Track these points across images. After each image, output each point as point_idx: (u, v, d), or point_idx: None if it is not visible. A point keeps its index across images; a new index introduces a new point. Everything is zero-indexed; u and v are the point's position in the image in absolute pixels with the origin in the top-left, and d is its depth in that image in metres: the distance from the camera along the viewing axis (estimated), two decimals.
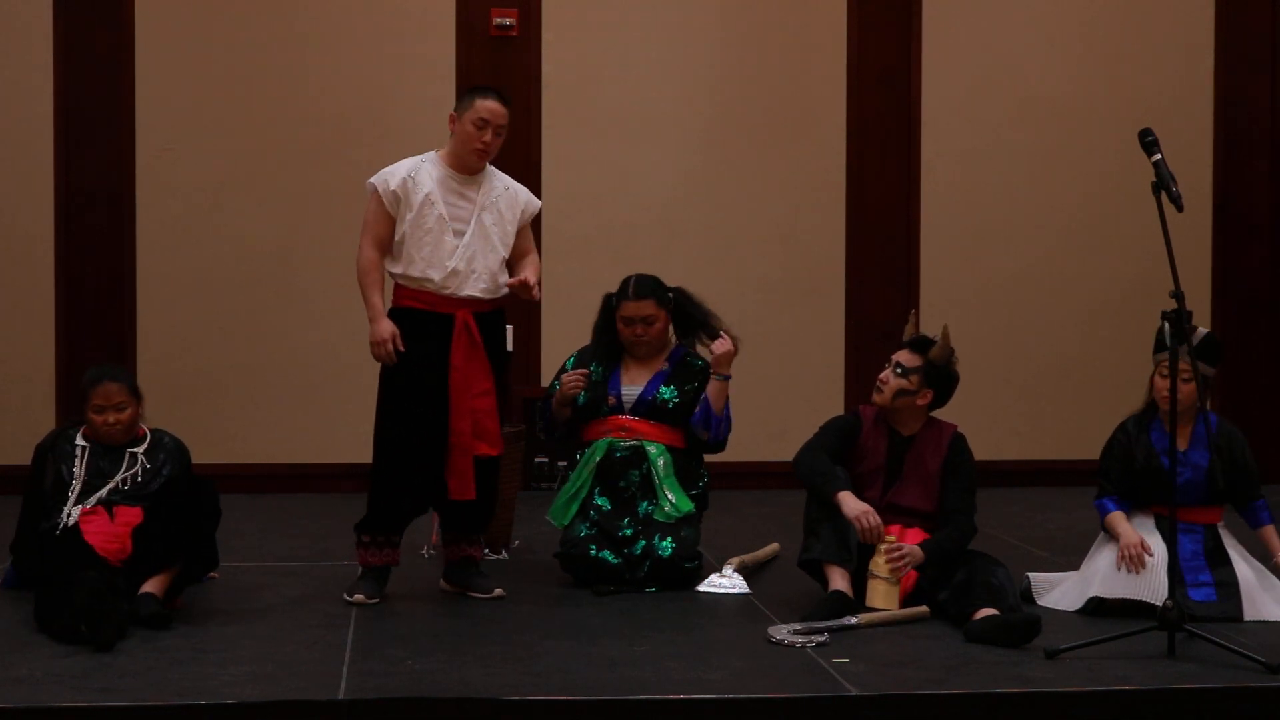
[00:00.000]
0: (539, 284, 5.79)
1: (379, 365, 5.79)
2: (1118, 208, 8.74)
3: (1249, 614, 5.49)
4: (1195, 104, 8.86)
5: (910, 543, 5.53)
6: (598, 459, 6.10)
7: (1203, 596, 5.52)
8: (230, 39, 8.35)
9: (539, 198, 8.52)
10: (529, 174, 8.51)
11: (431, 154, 5.82)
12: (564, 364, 6.29)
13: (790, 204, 8.68)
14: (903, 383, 5.68)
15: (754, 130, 8.65)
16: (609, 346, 6.23)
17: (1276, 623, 5.44)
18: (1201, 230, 8.83)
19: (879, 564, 5.45)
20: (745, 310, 8.56)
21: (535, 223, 8.38)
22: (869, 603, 5.45)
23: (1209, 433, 5.34)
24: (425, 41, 8.43)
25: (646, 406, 6.10)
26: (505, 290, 5.81)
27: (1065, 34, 8.83)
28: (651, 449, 6.09)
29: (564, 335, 8.18)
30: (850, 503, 5.52)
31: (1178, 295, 4.93)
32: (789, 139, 8.67)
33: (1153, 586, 5.45)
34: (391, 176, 5.75)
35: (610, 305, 6.24)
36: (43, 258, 8.27)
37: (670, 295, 6.19)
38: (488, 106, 5.71)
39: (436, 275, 5.69)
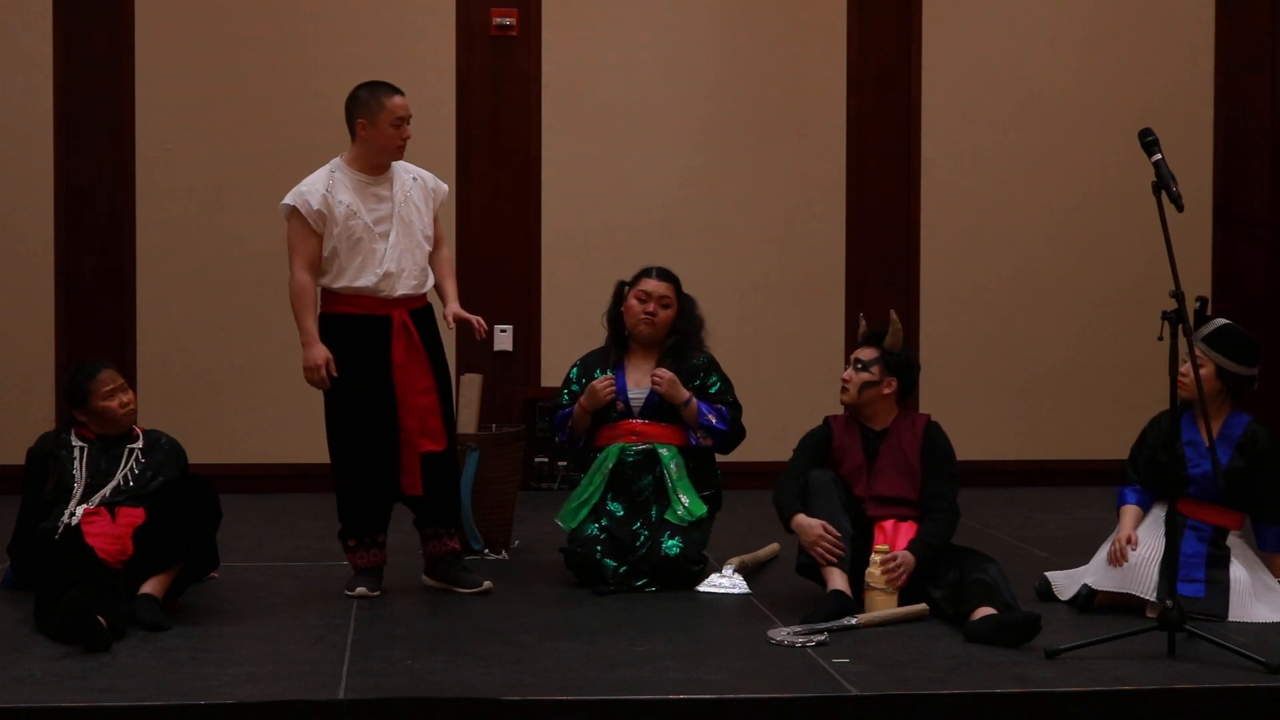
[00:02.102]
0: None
1: None
2: (1118, 208, 8.73)
3: (1235, 614, 5.45)
4: (1195, 104, 8.86)
5: (905, 537, 5.54)
6: (610, 465, 6.08)
7: (1190, 592, 5.49)
8: (230, 39, 8.34)
9: (539, 198, 8.63)
10: (529, 174, 8.53)
11: (337, 161, 5.84)
12: (568, 374, 6.26)
13: (790, 204, 8.67)
14: (865, 375, 5.72)
15: (754, 130, 8.65)
16: (616, 336, 6.21)
17: (1275, 623, 5.42)
18: (1201, 230, 8.83)
19: (875, 575, 5.45)
20: (745, 310, 8.59)
21: (535, 222, 8.52)
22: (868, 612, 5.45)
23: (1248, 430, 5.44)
24: (425, 41, 8.42)
25: (655, 407, 6.09)
26: (431, 284, 5.90)
27: (1065, 34, 8.83)
28: (664, 452, 6.07)
29: (564, 335, 8.18)
30: (803, 531, 5.56)
31: (1178, 295, 4.93)
32: (789, 139, 8.66)
33: (1139, 581, 5.46)
34: (310, 195, 5.74)
35: (623, 290, 6.21)
36: (42, 257, 8.27)
37: (686, 294, 6.21)
38: (401, 103, 5.80)
39: (370, 281, 5.73)
